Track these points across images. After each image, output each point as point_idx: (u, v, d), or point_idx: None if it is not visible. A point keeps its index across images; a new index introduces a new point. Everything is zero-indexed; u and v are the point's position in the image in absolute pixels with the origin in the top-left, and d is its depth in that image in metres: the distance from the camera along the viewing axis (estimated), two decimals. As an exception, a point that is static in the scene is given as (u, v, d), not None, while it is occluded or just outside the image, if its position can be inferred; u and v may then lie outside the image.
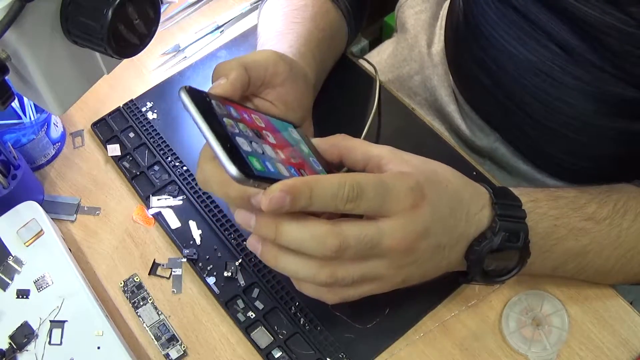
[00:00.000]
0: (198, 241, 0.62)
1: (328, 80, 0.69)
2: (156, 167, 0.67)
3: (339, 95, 0.71)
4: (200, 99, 0.41)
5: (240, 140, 0.41)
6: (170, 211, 0.64)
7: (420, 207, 0.44)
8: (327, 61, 0.66)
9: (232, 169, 0.38)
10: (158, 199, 0.65)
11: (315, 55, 0.61)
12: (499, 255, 0.49)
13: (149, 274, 0.61)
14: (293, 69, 0.51)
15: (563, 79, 0.60)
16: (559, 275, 0.57)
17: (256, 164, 0.40)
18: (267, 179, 0.40)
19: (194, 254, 0.61)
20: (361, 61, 0.75)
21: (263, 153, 0.42)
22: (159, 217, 0.64)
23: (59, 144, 0.70)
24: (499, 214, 0.48)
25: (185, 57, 0.77)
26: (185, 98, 0.40)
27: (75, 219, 0.65)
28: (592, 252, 0.54)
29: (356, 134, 0.67)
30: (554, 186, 0.73)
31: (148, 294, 0.60)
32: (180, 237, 0.62)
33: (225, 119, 0.41)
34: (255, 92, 0.50)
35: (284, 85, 0.50)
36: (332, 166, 0.49)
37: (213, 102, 0.42)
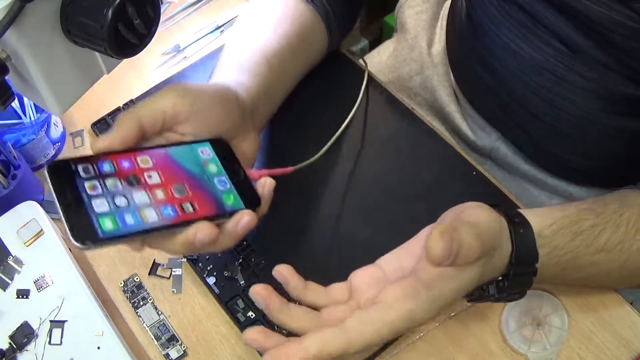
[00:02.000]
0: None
1: (323, 78, 0.70)
2: (156, 167, 0.67)
3: (333, 93, 0.72)
4: (64, 170, 0.44)
5: (97, 202, 0.43)
6: (170, 211, 0.64)
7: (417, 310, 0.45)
8: (292, 66, 0.66)
9: (71, 239, 0.40)
10: (158, 199, 0.65)
11: (270, 62, 0.61)
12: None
13: (149, 274, 0.61)
14: (197, 103, 0.51)
15: (567, 76, 0.60)
16: None
17: (107, 225, 0.42)
18: (119, 237, 0.42)
19: (194, 253, 0.61)
20: (360, 60, 0.75)
21: (128, 205, 0.44)
22: (159, 217, 0.64)
23: (59, 144, 0.70)
24: (508, 285, 0.49)
25: (185, 57, 0.77)
26: (47, 174, 0.43)
27: (75, 219, 0.65)
28: (598, 276, 0.54)
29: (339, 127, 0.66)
30: (555, 187, 0.73)
31: (148, 294, 0.60)
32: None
33: (87, 183, 0.44)
34: (159, 133, 0.51)
35: (188, 122, 0.51)
36: (252, 175, 0.51)
37: (80, 167, 0.45)
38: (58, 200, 0.42)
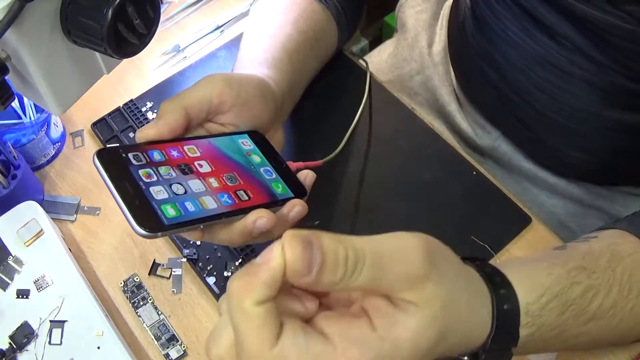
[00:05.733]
0: (198, 241, 0.62)
1: (324, 78, 0.70)
2: (156, 167, 0.67)
3: (335, 93, 0.72)
4: (114, 158, 0.43)
5: (155, 190, 0.42)
6: (170, 211, 0.64)
7: None
8: (310, 62, 0.67)
9: (137, 228, 0.39)
10: (158, 199, 0.65)
11: (292, 59, 0.61)
12: None
13: (149, 274, 0.61)
14: (242, 93, 0.51)
15: (569, 69, 0.60)
16: None
17: (170, 212, 0.41)
18: (184, 223, 0.41)
19: (194, 253, 0.61)
20: (360, 61, 0.75)
21: (185, 192, 0.43)
22: (159, 217, 0.64)
23: (59, 144, 0.70)
24: (485, 358, 0.41)
25: (185, 57, 0.77)
26: (97, 163, 0.42)
27: (75, 219, 0.65)
28: (585, 342, 0.48)
29: (347, 128, 0.66)
30: (555, 185, 0.73)
31: (148, 294, 0.60)
32: (180, 237, 0.62)
33: (141, 171, 0.43)
34: (203, 121, 0.51)
35: (232, 111, 0.51)
36: (295, 167, 0.51)
37: (130, 155, 0.43)
38: (115, 188, 0.40)
